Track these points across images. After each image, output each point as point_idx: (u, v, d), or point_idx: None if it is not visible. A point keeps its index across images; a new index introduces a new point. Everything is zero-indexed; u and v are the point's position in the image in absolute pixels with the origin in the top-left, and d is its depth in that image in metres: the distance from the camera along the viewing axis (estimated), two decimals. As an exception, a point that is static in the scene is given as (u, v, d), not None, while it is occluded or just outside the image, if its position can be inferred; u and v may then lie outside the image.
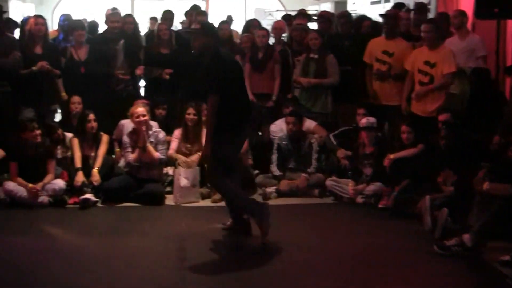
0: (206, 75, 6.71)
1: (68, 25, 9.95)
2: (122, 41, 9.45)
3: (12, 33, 9.29)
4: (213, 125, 6.56)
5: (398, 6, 10.46)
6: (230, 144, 6.72)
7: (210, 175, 6.93)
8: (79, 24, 9.73)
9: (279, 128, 9.33)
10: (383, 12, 10.37)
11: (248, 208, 6.83)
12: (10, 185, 7.98)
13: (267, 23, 13.39)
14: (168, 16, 10.46)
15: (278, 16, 16.61)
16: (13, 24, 9.80)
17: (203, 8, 13.97)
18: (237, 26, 12.90)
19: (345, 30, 9.98)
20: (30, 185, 7.91)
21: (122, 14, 10.09)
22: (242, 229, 6.96)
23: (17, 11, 17.69)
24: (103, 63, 9.33)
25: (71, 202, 8.08)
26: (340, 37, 9.91)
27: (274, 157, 8.96)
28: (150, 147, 8.31)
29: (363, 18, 10.67)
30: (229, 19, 13.04)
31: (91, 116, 8.52)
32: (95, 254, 6.45)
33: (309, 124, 9.26)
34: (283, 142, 8.93)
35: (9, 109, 8.84)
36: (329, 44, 9.63)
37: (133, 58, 9.55)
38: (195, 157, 8.61)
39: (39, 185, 7.96)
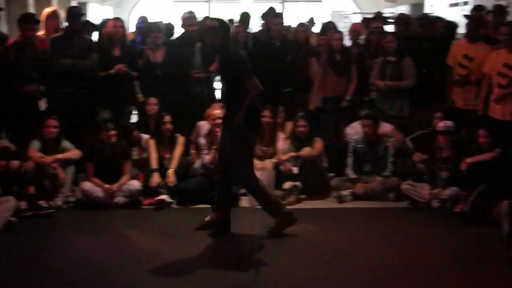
0: (232, 66, 6.76)
1: (144, 27, 10.06)
2: (199, 44, 9.50)
3: (90, 35, 9.44)
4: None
5: (477, 9, 10.27)
6: (250, 139, 6.90)
7: (239, 170, 6.94)
8: (156, 26, 9.83)
9: (355, 130, 9.24)
10: (463, 14, 10.17)
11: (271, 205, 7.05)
12: (87, 185, 8.12)
13: (343, 26, 13.30)
14: (244, 18, 10.50)
15: (354, 19, 16.52)
16: (91, 26, 9.97)
17: (279, 11, 13.90)
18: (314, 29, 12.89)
19: (425, 32, 9.84)
20: (106, 185, 8.04)
21: (199, 17, 10.15)
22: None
23: (95, 14, 18.02)
24: (180, 66, 9.39)
25: (146, 203, 8.18)
26: (419, 40, 9.77)
27: (350, 160, 8.87)
28: (226, 149, 8.33)
29: (437, 19, 10.50)
30: (311, 21, 13.00)
31: (167, 118, 8.62)
32: (169, 255, 6.49)
33: (385, 127, 9.15)
34: (359, 145, 8.85)
35: (86, 110, 8.99)
36: (406, 46, 9.51)
37: (210, 61, 9.58)
38: (269, 161, 8.62)
39: (115, 186, 8.08)
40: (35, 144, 8.23)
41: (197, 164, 8.71)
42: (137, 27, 10.59)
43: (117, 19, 9.65)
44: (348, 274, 6.04)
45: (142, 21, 10.50)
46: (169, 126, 8.60)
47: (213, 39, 6.78)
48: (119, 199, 8.09)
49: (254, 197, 7.30)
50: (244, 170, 6.89)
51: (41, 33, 9.21)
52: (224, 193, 7.19)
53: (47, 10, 9.55)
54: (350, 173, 8.83)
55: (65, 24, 9.28)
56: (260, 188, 7.00)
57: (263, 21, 10.97)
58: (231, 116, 6.72)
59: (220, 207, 7.19)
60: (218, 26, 6.77)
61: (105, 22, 10.12)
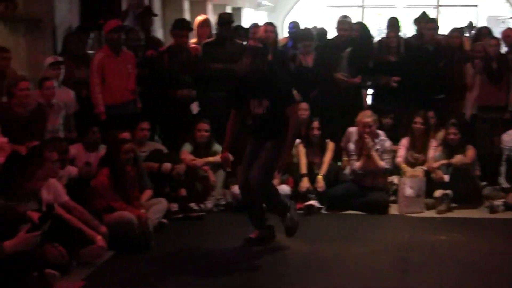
0: (278, 88, 6.62)
1: (295, 33, 10.08)
2: (348, 49, 9.44)
3: (243, 40, 9.60)
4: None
5: None
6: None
7: (262, 178, 6.66)
8: (307, 34, 9.84)
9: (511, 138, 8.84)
10: None
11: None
12: (237, 189, 8.20)
13: (499, 31, 12.81)
14: (394, 22, 10.33)
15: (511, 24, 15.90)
16: (243, 31, 10.11)
17: (433, 16, 13.59)
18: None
19: None
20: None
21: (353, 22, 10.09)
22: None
23: (250, 19, 18.27)
24: (328, 70, 9.37)
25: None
26: None
27: (503, 168, 8.52)
28: (375, 156, 8.22)
29: None
30: (469, 26, 12.63)
31: (315, 124, 8.58)
32: (318, 260, 6.46)
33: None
34: (513, 154, 8.49)
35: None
36: None
37: (359, 67, 9.49)
38: (420, 168, 8.44)
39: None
40: (187, 147, 8.42)
41: (347, 170, 8.64)
42: (288, 32, 10.65)
43: (268, 24, 9.75)
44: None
45: (294, 26, 10.54)
46: (317, 132, 8.57)
47: (258, 61, 6.64)
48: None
49: (275, 209, 6.98)
50: (270, 180, 6.80)
51: (193, 40, 9.45)
52: (257, 210, 6.98)
53: (199, 19, 9.77)
54: (504, 182, 8.48)
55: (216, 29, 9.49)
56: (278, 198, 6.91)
57: (416, 26, 10.78)
58: (274, 130, 6.64)
59: (259, 224, 7.01)
60: (262, 49, 6.77)
61: (253, 27, 10.27)
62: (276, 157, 6.61)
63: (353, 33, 9.82)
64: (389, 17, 10.04)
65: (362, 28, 10.18)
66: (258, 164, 6.61)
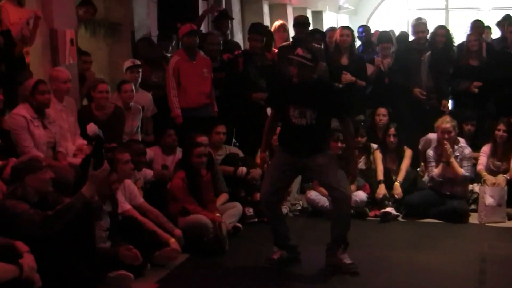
0: (328, 99, 6.23)
1: (365, 36, 9.93)
2: (428, 53, 9.26)
3: (320, 44, 9.54)
4: None
5: None
6: None
7: (345, 187, 6.25)
8: (385, 36, 9.72)
9: None
10: None
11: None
12: (313, 194, 8.17)
13: None
14: (477, 25, 10.11)
15: None
16: (319, 35, 10.07)
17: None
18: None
19: None
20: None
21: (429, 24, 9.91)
22: None
23: (331, 22, 18.17)
24: (405, 74, 9.25)
25: (372, 214, 8.11)
26: None
27: None
28: (455, 163, 8.03)
29: None
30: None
31: (392, 131, 8.45)
32: (393, 268, 6.37)
33: None
34: None
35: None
36: None
37: (439, 71, 9.29)
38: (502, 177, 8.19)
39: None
40: (263, 152, 8.42)
41: (426, 177, 8.48)
42: (358, 37, 10.52)
43: (344, 27, 9.66)
44: None
45: (363, 30, 10.43)
46: (393, 138, 8.42)
47: (309, 73, 6.16)
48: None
49: (343, 222, 6.33)
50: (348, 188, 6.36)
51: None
52: (281, 227, 6.60)
53: (277, 24, 9.80)
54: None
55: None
56: None
57: (499, 29, 10.52)
58: (318, 144, 6.25)
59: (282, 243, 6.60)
60: (312, 59, 6.14)
61: (329, 30, 10.21)
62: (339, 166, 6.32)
63: (438, 38, 9.57)
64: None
65: (446, 32, 9.93)
66: (334, 178, 6.17)
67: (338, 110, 6.37)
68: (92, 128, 5.61)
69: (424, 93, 9.23)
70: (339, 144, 7.96)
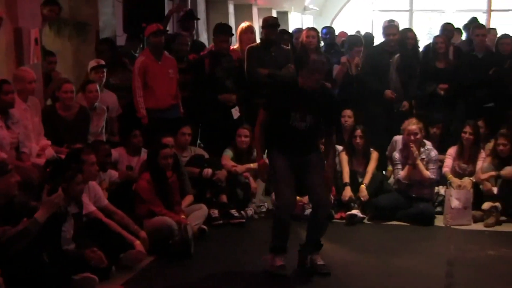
0: (330, 105, 6.32)
1: (330, 38, 9.92)
2: (397, 56, 9.27)
3: (287, 45, 9.52)
4: None
5: None
6: None
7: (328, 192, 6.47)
8: (359, 39, 9.70)
9: None
10: None
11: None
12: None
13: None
14: (447, 28, 10.15)
15: None
16: (288, 36, 10.04)
17: (483, 21, 13.29)
18: None
19: None
20: (298, 197, 7.91)
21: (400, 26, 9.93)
22: None
23: (296, 23, 18.19)
24: (375, 77, 9.23)
25: (338, 216, 8.08)
26: None
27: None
28: (421, 165, 8.05)
29: None
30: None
31: (358, 132, 8.42)
32: (359, 271, 6.36)
33: None
34: None
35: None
36: None
37: (408, 74, 9.31)
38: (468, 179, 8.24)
39: (304, 199, 8.02)
40: (228, 153, 8.40)
41: (391, 179, 8.49)
42: (322, 38, 10.49)
43: (310, 29, 9.66)
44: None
45: (327, 32, 10.43)
46: (360, 140, 8.40)
47: (319, 79, 6.18)
48: (310, 211, 8.03)
49: (322, 224, 6.42)
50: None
51: (235, 46, 9.39)
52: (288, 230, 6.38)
53: (243, 25, 9.73)
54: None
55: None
56: None
57: (465, 33, 10.59)
58: (312, 145, 6.34)
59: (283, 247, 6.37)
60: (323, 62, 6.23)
61: (296, 32, 10.19)
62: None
63: (408, 40, 9.64)
64: (440, 22, 9.84)
65: (415, 35, 9.95)
66: (319, 182, 6.21)
67: (335, 119, 6.49)
68: (49, 152, 5.57)
69: (395, 94, 9.22)
70: None
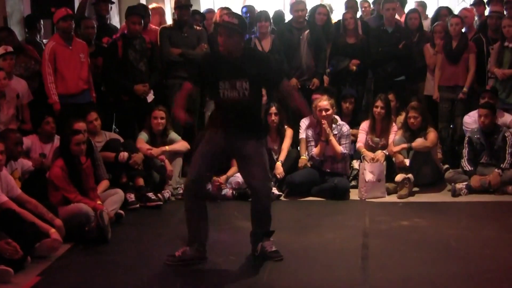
0: (265, 65, 5.98)
1: (250, 16, 9.92)
2: (307, 32, 9.30)
3: (199, 25, 9.47)
4: None
5: None
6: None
7: (267, 181, 6.24)
8: (264, 15, 9.54)
9: (473, 119, 8.75)
10: None
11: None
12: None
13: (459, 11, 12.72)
14: (352, 4, 10.25)
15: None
16: (199, 16, 9.98)
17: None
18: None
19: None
20: (214, 178, 7.98)
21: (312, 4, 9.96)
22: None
23: (208, 3, 18.00)
24: (287, 54, 9.23)
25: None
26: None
27: (465, 151, 8.43)
28: (334, 141, 8.16)
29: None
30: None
31: (273, 109, 8.47)
32: (280, 248, 6.25)
33: (506, 117, 8.69)
34: (475, 136, 8.41)
35: (195, 101, 9.03)
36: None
37: (318, 50, 9.37)
38: (381, 152, 8.40)
39: (222, 178, 8.05)
40: (143, 136, 8.36)
41: (305, 156, 8.55)
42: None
43: (223, 8, 9.62)
44: (459, 273, 5.71)
45: (247, 10, 10.41)
46: (274, 117, 8.47)
47: (232, 38, 5.81)
48: (227, 191, 8.08)
49: (265, 215, 6.23)
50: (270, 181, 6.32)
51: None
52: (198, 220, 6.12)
53: (151, 7, 9.66)
54: (466, 165, 8.40)
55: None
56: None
57: (374, 7, 10.70)
58: (252, 122, 6.01)
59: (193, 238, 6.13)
60: (239, 24, 5.83)
61: (207, 12, 10.16)
62: (267, 157, 6.16)
63: (319, 16, 9.68)
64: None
65: (327, 11, 10.00)
66: (258, 169, 5.95)
67: (272, 78, 6.07)
68: None
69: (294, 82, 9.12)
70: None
